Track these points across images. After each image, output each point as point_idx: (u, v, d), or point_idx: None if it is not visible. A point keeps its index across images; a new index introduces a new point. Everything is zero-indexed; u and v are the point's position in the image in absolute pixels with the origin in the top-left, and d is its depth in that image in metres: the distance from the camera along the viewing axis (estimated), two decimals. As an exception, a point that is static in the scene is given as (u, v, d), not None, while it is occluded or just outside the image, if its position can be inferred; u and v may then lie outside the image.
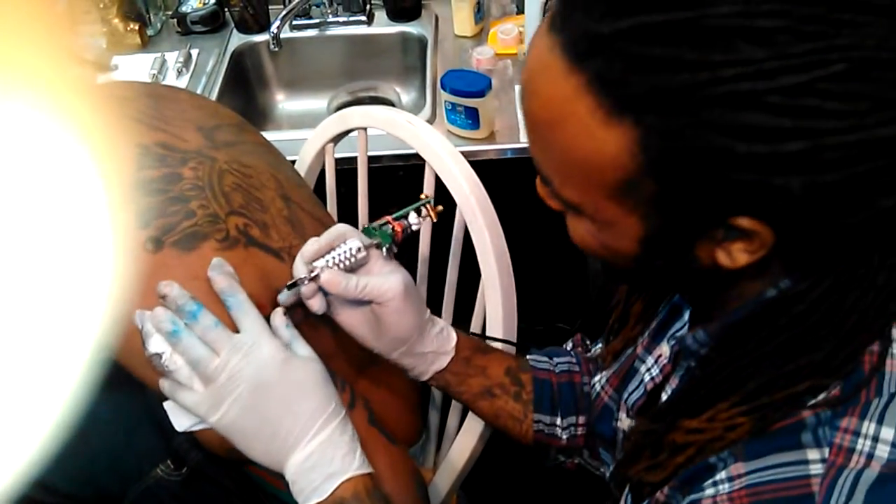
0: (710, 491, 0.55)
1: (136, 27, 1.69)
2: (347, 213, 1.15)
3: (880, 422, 0.50)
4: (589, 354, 0.90)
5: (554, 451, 0.88)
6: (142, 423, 1.08)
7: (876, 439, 0.50)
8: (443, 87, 1.39)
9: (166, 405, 0.70)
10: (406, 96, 1.78)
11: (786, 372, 0.54)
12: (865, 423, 0.50)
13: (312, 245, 0.70)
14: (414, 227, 0.74)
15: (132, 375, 0.74)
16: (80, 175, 0.26)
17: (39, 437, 0.26)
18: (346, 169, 1.18)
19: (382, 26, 1.75)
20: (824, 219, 0.47)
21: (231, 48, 1.71)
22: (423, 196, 0.76)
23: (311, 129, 1.16)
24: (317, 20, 1.74)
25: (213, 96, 1.57)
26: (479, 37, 1.66)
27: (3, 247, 0.23)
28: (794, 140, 0.43)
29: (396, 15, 1.74)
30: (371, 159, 1.15)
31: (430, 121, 1.47)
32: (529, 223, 1.22)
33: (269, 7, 1.75)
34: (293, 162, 1.12)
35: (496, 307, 0.98)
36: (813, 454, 0.51)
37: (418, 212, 0.75)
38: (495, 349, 0.89)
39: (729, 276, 0.53)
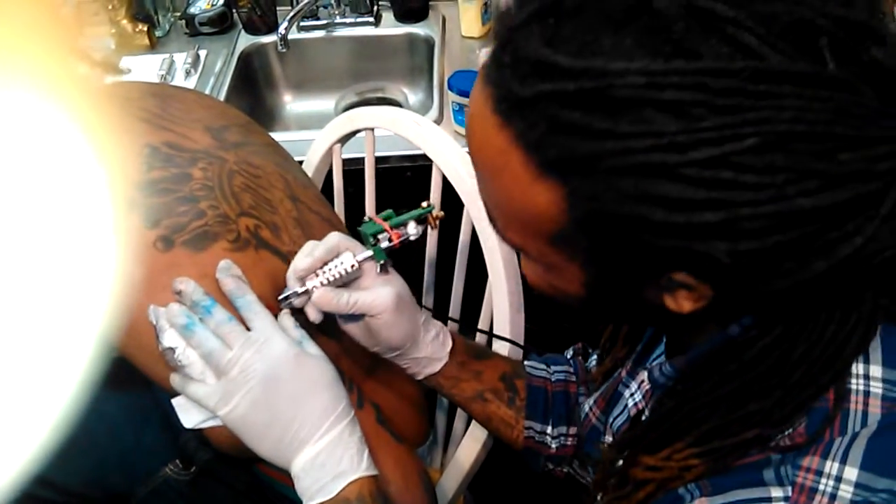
0: None
1: (145, 28, 1.70)
2: (355, 214, 1.15)
3: (843, 461, 0.49)
4: (587, 364, 0.90)
5: (543, 459, 0.88)
6: (150, 423, 1.08)
7: (839, 479, 0.49)
8: (450, 87, 1.39)
9: (174, 401, 0.70)
10: (413, 97, 1.78)
11: (737, 417, 0.53)
12: (828, 463, 0.49)
13: (305, 260, 0.70)
14: (412, 237, 0.73)
15: (141, 374, 0.74)
16: (87, 175, 0.27)
17: (45, 433, 0.27)
18: (353, 169, 1.18)
19: (390, 27, 1.75)
20: (756, 281, 0.46)
21: (239, 49, 1.71)
22: (424, 204, 0.76)
23: (318, 129, 1.16)
24: (324, 21, 1.74)
25: (221, 97, 1.58)
26: (487, 37, 1.66)
27: (8, 247, 0.23)
28: (711, 210, 0.42)
29: (404, 16, 1.74)
30: (378, 160, 1.15)
31: (438, 121, 1.47)
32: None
33: (277, 8, 1.75)
34: (301, 162, 1.12)
35: (503, 308, 0.98)
36: (776, 492, 0.50)
37: (419, 220, 0.74)
38: (494, 354, 0.89)
39: (685, 315, 0.52)
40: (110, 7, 1.67)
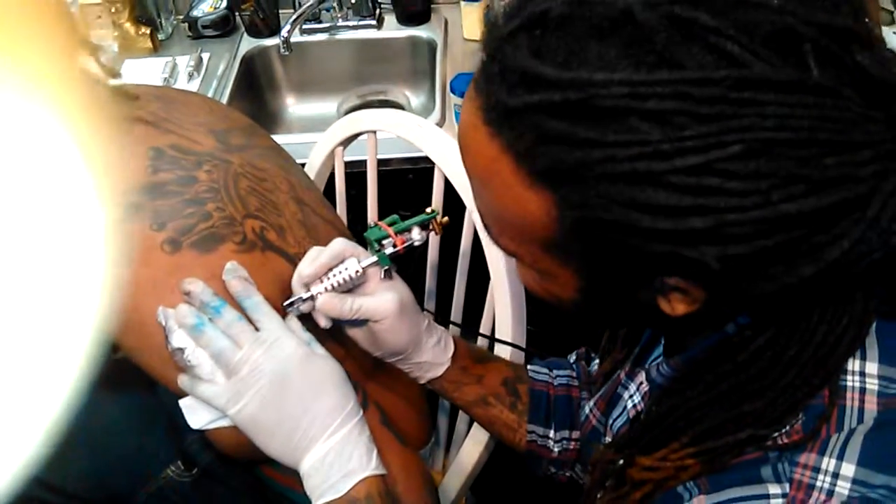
0: None
1: (148, 31, 1.70)
2: (357, 217, 1.15)
3: (840, 457, 0.49)
4: (589, 368, 0.90)
5: (545, 463, 0.88)
6: (153, 425, 1.08)
7: (836, 475, 0.49)
8: (452, 90, 1.39)
9: (182, 402, 0.71)
10: (416, 100, 1.78)
11: (731, 417, 0.54)
12: (825, 459, 0.50)
13: (310, 266, 0.71)
14: (416, 243, 0.74)
15: (143, 376, 0.75)
16: (90, 179, 0.27)
17: (44, 435, 0.27)
18: (355, 172, 1.18)
19: (392, 30, 1.75)
20: (745, 285, 0.46)
21: (242, 52, 1.71)
22: (428, 210, 0.76)
23: (321, 132, 1.17)
24: (327, 24, 1.75)
25: (224, 100, 1.58)
26: (489, 40, 1.66)
27: (10, 248, 0.24)
28: (697, 217, 0.42)
29: (406, 19, 1.74)
30: (380, 162, 1.15)
31: (440, 124, 1.48)
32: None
33: (280, 11, 1.76)
34: (303, 165, 1.12)
35: (505, 311, 0.98)
36: (774, 489, 0.51)
37: (423, 225, 0.75)
38: (496, 358, 0.90)
39: (680, 317, 0.52)
40: (113, 10, 1.67)
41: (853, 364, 0.52)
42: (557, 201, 0.46)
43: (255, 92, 1.77)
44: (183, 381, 0.70)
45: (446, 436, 1.16)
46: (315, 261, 0.71)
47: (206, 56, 1.69)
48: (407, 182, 1.38)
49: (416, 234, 0.74)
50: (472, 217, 1.00)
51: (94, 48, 0.81)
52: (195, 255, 0.70)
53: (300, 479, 0.69)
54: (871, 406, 0.51)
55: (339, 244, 0.72)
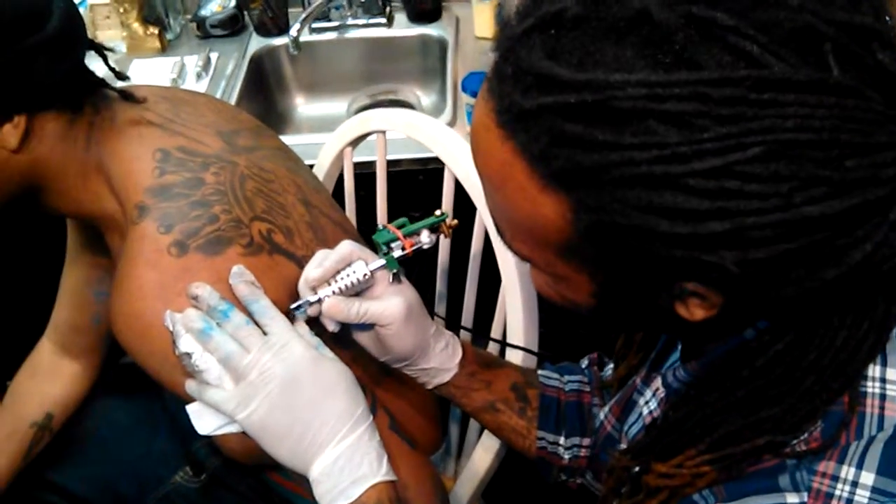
0: None
1: (156, 31, 1.70)
2: (366, 218, 1.14)
3: (860, 466, 0.49)
4: (602, 374, 0.89)
5: (556, 470, 0.88)
6: (161, 430, 1.08)
7: (855, 484, 0.48)
8: (464, 89, 1.38)
9: (189, 408, 0.70)
10: (426, 99, 1.77)
11: (749, 423, 0.53)
12: (844, 468, 0.49)
13: (317, 270, 0.70)
14: (426, 246, 0.73)
15: (152, 381, 0.74)
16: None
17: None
18: (365, 173, 1.17)
19: (402, 28, 1.74)
20: (765, 289, 0.46)
21: (250, 52, 1.71)
22: (437, 212, 0.75)
23: (330, 132, 1.16)
24: (336, 23, 1.74)
25: (233, 100, 1.57)
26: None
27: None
28: (716, 220, 0.41)
29: (416, 17, 1.73)
30: (390, 163, 1.14)
31: (451, 124, 1.46)
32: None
33: (289, 10, 1.75)
34: (311, 166, 1.11)
35: (517, 314, 0.97)
36: (792, 498, 0.50)
37: (432, 228, 0.74)
38: (505, 363, 0.89)
39: (698, 322, 0.51)
40: (121, 10, 1.67)
41: (873, 370, 0.51)
42: (572, 205, 0.45)
43: (264, 92, 1.76)
44: (190, 386, 0.69)
45: (457, 441, 1.15)
46: (322, 264, 0.70)
47: (214, 56, 1.69)
48: (417, 183, 1.37)
49: (425, 238, 0.73)
50: (483, 219, 0.99)
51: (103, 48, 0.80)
52: (202, 258, 0.69)
53: (308, 485, 0.68)
54: (892, 413, 0.50)
55: (347, 247, 0.71)
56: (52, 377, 1.04)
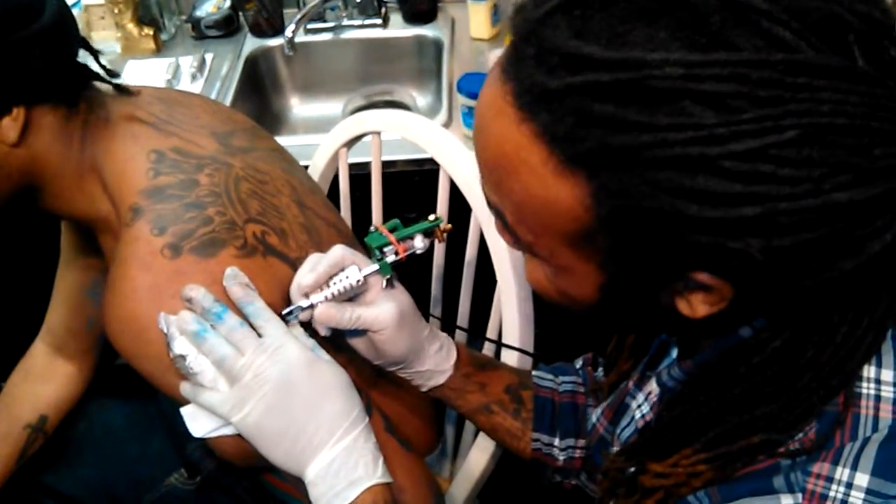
0: None
1: (151, 32, 1.69)
2: (362, 219, 1.14)
3: (854, 467, 0.48)
4: (596, 374, 0.89)
5: (550, 471, 0.88)
6: (156, 432, 1.08)
7: (850, 486, 0.48)
8: (459, 90, 1.38)
9: (183, 410, 0.70)
10: (422, 100, 1.77)
11: (744, 422, 0.53)
12: (839, 469, 0.49)
13: (309, 276, 0.70)
14: (419, 250, 0.73)
15: (147, 383, 0.74)
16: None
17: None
18: (360, 174, 1.17)
19: (398, 29, 1.74)
20: (783, 279, 0.46)
21: (245, 52, 1.70)
22: (431, 217, 0.74)
23: (325, 133, 1.15)
24: (331, 23, 1.74)
25: (228, 101, 1.57)
26: (496, 39, 1.65)
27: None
28: (747, 205, 0.41)
29: (412, 18, 1.73)
30: (386, 164, 1.14)
31: (446, 125, 1.46)
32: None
33: (284, 11, 1.75)
34: (306, 167, 1.11)
35: (512, 314, 0.96)
36: (786, 499, 0.50)
37: (426, 233, 0.73)
38: (500, 365, 0.88)
39: (696, 321, 0.51)
40: (116, 11, 1.67)
41: (868, 371, 0.51)
42: (593, 190, 0.44)
43: (259, 93, 1.75)
44: (185, 388, 0.69)
45: (453, 443, 1.14)
46: (314, 269, 0.70)
47: (209, 57, 1.68)
48: (412, 184, 1.37)
49: (419, 243, 0.72)
50: (479, 220, 0.98)
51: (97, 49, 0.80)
52: (196, 261, 0.69)
53: (304, 487, 0.67)
54: (886, 414, 0.50)
55: (339, 252, 0.71)
56: (46, 379, 1.04)
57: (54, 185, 0.75)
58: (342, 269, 0.71)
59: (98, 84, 0.78)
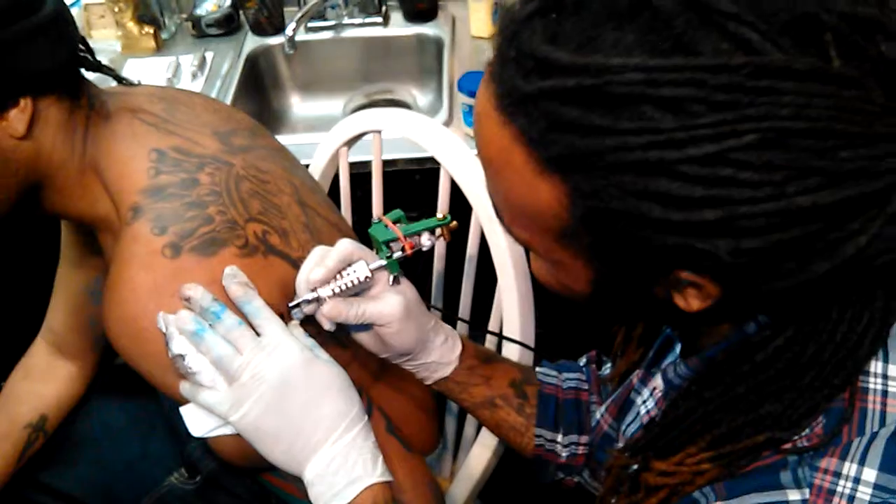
0: None
1: (151, 31, 1.69)
2: (362, 218, 1.14)
3: (862, 462, 0.48)
4: (600, 372, 0.89)
5: (553, 467, 0.87)
6: (156, 432, 1.08)
7: (857, 481, 0.48)
8: (460, 88, 1.38)
9: (183, 410, 0.69)
10: (423, 98, 1.77)
11: (749, 420, 0.53)
12: (846, 464, 0.49)
13: (318, 270, 0.69)
14: (425, 248, 0.73)
15: (147, 383, 0.74)
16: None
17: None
18: (361, 173, 1.16)
19: (399, 28, 1.74)
20: (758, 280, 0.46)
21: (246, 51, 1.70)
22: (439, 216, 0.74)
23: (326, 132, 1.15)
24: (332, 22, 1.73)
25: (228, 99, 1.57)
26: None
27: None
28: (709, 208, 0.42)
29: (412, 16, 1.72)
30: (386, 163, 1.14)
31: (447, 123, 1.46)
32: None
33: (284, 9, 1.74)
34: (307, 166, 1.11)
35: (513, 311, 0.96)
36: (793, 495, 0.50)
37: (432, 230, 0.73)
38: (504, 359, 0.88)
39: (696, 314, 0.51)
40: (116, 10, 1.67)
41: (875, 366, 0.51)
42: (569, 190, 0.45)
43: (260, 91, 1.75)
44: (184, 387, 0.68)
45: (454, 441, 1.14)
46: (322, 264, 0.69)
47: (209, 55, 1.68)
48: (413, 183, 1.36)
49: (426, 240, 0.72)
50: (480, 219, 0.98)
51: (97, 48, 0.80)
52: (196, 260, 0.69)
53: (303, 486, 0.67)
54: (894, 410, 0.50)
55: (348, 246, 0.70)
56: (46, 379, 1.04)
57: (58, 182, 0.75)
58: (349, 264, 0.70)
59: (100, 83, 0.78)
